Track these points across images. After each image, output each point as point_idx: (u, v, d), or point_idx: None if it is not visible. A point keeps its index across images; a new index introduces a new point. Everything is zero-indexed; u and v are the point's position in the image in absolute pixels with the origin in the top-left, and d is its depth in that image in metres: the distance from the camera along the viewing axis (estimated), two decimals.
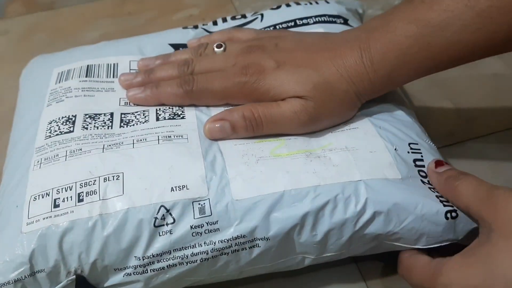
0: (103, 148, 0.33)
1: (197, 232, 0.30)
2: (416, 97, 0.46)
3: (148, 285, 0.30)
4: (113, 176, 0.31)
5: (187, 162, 0.32)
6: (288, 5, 0.47)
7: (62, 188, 0.31)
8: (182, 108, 0.36)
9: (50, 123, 0.36)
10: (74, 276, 0.29)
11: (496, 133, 0.43)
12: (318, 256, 0.32)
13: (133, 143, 0.33)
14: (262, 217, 0.30)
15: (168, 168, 0.31)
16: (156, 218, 0.29)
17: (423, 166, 0.33)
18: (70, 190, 0.31)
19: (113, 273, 0.30)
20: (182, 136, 0.34)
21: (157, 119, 0.35)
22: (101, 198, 0.30)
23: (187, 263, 0.30)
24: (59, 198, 0.30)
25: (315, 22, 0.44)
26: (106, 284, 0.30)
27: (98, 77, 0.40)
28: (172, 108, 0.36)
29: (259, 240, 0.30)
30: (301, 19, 0.45)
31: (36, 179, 0.32)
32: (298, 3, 0.47)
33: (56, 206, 0.30)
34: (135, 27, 0.56)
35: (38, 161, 0.33)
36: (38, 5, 0.59)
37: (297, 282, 0.35)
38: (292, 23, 0.45)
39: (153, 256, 0.29)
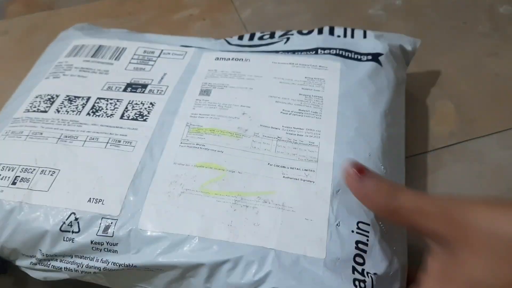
0: (59, 138, 0.35)
1: (97, 248, 0.31)
2: (416, 97, 0.45)
3: (46, 278, 0.32)
4: (50, 171, 0.33)
5: (117, 176, 0.32)
6: (320, 32, 0.44)
7: (6, 167, 0.33)
8: (152, 106, 0.37)
9: (37, 97, 0.39)
10: None
11: (496, 133, 0.43)
12: None
13: (85, 141, 0.35)
14: (156, 255, 0.30)
15: (97, 177, 0.32)
16: (63, 223, 0.31)
17: (365, 251, 0.30)
18: (12, 171, 0.33)
19: (21, 257, 0.32)
20: (130, 143, 0.34)
21: (122, 116, 0.37)
22: (28, 187, 0.32)
23: (81, 272, 0.31)
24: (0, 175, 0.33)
25: (336, 54, 0.42)
26: (16, 263, 0.33)
27: (102, 58, 0.42)
28: (143, 104, 0.37)
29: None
30: (324, 49, 0.43)
31: None
32: (331, 32, 0.44)
33: None
34: (135, 27, 0.55)
35: (6, 132, 0.36)
36: (38, 5, 0.59)
37: None
38: (313, 52, 0.43)
39: (55, 255, 0.31)
